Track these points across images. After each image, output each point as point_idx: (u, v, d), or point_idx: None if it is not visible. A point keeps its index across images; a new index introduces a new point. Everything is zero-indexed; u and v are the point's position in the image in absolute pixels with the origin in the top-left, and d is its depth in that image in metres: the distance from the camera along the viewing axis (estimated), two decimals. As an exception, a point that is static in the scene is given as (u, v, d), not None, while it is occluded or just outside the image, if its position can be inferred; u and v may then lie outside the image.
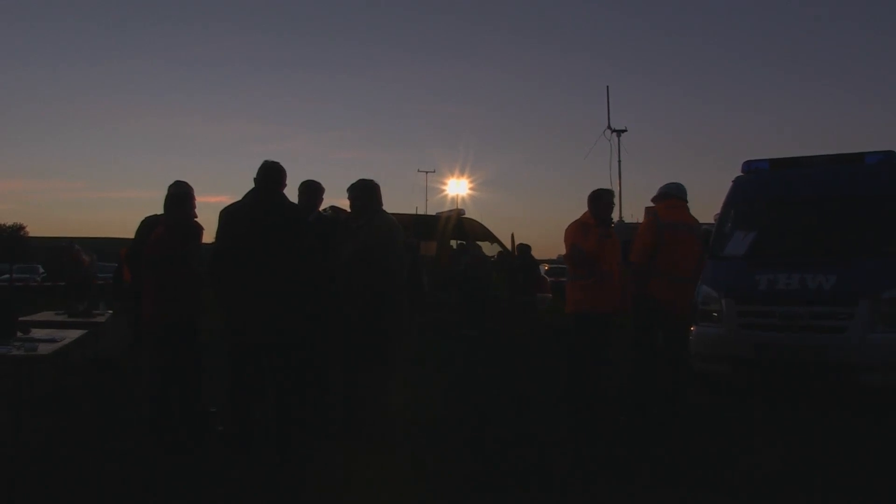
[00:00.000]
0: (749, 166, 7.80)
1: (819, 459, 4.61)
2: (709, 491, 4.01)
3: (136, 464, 4.41)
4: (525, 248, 15.14)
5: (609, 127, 27.96)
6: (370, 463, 4.35)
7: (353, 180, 5.24)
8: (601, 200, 5.89)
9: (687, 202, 6.17)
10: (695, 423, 5.60)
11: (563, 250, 6.10)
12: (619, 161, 28.03)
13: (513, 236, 15.06)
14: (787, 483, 4.17)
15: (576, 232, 5.80)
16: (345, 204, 5.42)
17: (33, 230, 57.95)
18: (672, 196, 6.07)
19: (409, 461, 4.46)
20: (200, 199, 5.41)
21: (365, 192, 5.20)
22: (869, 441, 5.09)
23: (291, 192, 4.97)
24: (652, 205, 6.35)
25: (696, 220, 6.11)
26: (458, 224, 14.36)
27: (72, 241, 16.23)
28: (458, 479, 4.15)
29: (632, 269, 5.86)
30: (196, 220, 5.16)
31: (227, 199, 4.74)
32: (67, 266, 14.89)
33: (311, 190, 5.45)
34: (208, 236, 5.08)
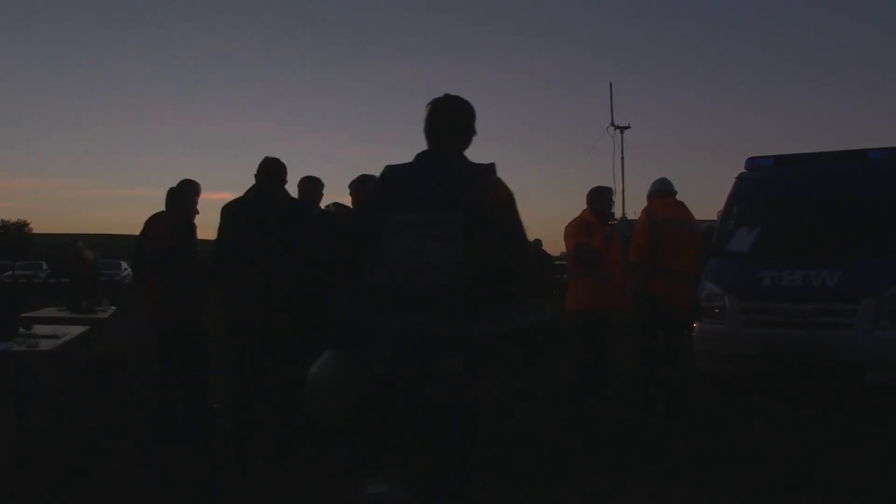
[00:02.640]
0: (753, 163, 7.77)
1: (821, 459, 4.58)
2: (711, 490, 3.99)
3: (137, 462, 4.41)
4: (537, 244, 14.56)
5: (612, 124, 27.81)
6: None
7: (361, 174, 5.26)
8: (602, 198, 5.87)
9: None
10: (696, 421, 5.58)
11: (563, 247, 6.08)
12: (623, 158, 27.83)
13: None
14: (789, 482, 4.15)
15: (578, 230, 5.79)
16: (348, 201, 5.42)
17: (37, 227, 58.10)
18: (667, 192, 6.05)
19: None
20: (206, 196, 5.42)
21: (366, 188, 5.18)
22: (871, 441, 5.06)
23: (292, 189, 4.97)
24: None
25: (692, 217, 6.09)
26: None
27: (76, 238, 16.27)
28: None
29: (631, 267, 5.85)
30: (194, 219, 5.16)
31: (231, 196, 4.75)
32: (71, 263, 14.94)
33: (311, 185, 5.44)
34: (210, 233, 5.08)
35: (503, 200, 2.61)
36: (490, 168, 2.66)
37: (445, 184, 2.57)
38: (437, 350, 2.50)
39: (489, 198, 2.57)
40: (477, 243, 2.52)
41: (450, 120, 2.70)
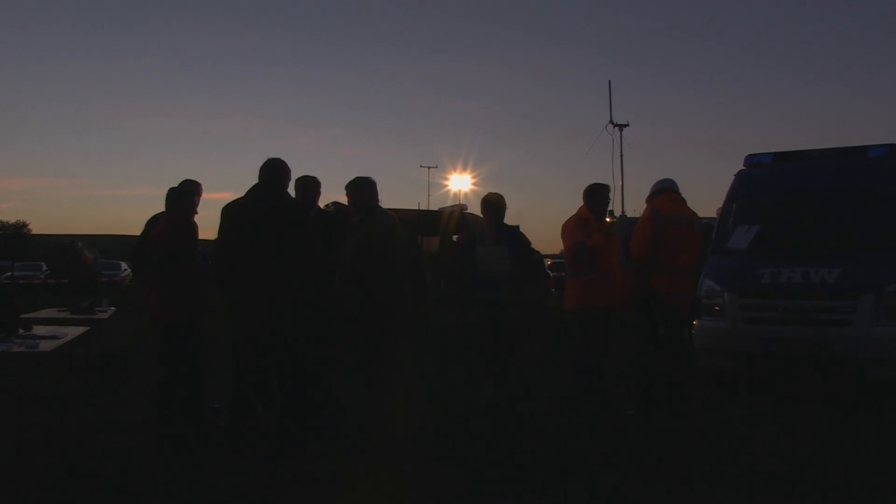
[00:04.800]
0: (752, 160, 7.77)
1: (822, 457, 4.59)
2: (711, 489, 3.99)
3: (137, 462, 4.41)
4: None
5: (611, 122, 27.72)
6: (371, 459, 4.35)
7: (356, 176, 5.25)
8: (600, 196, 5.85)
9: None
10: (697, 419, 5.58)
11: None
12: (622, 156, 27.69)
13: None
14: (789, 480, 4.15)
15: (576, 229, 5.76)
16: (346, 201, 5.42)
17: (36, 228, 58.03)
18: (669, 190, 6.02)
19: (410, 457, 4.45)
20: (205, 196, 5.41)
21: (361, 189, 5.19)
22: (871, 439, 5.07)
23: (289, 187, 4.96)
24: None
25: (694, 214, 6.07)
26: (460, 219, 14.34)
27: (75, 238, 16.24)
28: (462, 475, 4.15)
29: (633, 264, 5.83)
30: (194, 218, 5.15)
31: (231, 196, 4.75)
32: (71, 263, 14.91)
33: (308, 185, 5.44)
34: (210, 233, 5.08)
35: (526, 241, 6.03)
36: (517, 227, 6.14)
37: (503, 234, 5.89)
38: (506, 305, 5.73)
39: (521, 240, 5.97)
40: (517, 258, 5.74)
41: (499, 207, 6.03)
